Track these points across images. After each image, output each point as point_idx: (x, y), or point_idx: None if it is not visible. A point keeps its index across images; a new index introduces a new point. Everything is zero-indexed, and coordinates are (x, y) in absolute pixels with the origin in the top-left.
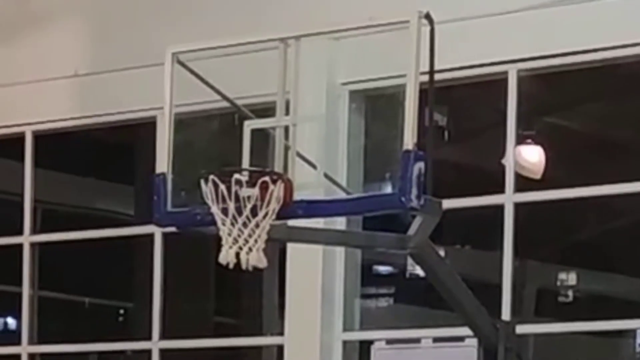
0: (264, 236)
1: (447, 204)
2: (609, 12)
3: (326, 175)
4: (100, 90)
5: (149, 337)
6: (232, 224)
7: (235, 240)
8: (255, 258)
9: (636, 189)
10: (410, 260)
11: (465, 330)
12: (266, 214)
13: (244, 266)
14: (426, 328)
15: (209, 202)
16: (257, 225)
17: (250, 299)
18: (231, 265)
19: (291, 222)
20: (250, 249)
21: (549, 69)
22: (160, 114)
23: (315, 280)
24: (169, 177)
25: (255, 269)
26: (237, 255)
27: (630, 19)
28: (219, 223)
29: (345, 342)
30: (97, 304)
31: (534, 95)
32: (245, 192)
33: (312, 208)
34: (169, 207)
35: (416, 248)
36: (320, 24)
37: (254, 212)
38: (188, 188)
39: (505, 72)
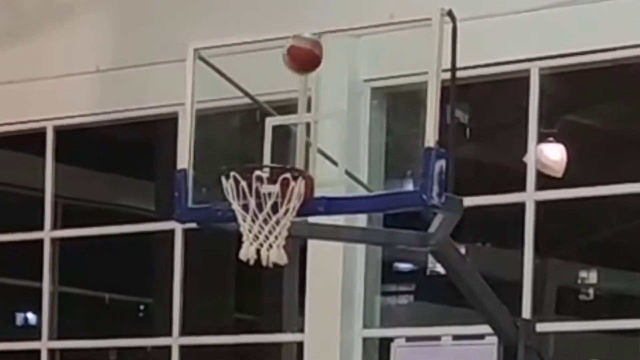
0: (285, 233)
1: (468, 201)
2: (632, 11)
3: (347, 172)
4: (121, 86)
5: (169, 333)
6: (253, 221)
7: (256, 237)
8: (275, 255)
9: None
10: (431, 258)
11: (485, 328)
12: (287, 211)
13: (264, 263)
14: (446, 326)
15: (230, 198)
16: (277, 222)
17: (270, 296)
18: (251, 262)
19: (312, 219)
20: (270, 246)
21: (571, 67)
22: (181, 110)
23: (336, 277)
24: (190, 173)
25: (276, 265)
26: (258, 252)
27: None
28: (240, 219)
29: (365, 339)
30: (118, 300)
31: (556, 94)
32: (266, 188)
33: (333, 205)
34: (190, 203)
35: (437, 246)
36: (342, 21)
37: (274, 208)
38: (209, 184)
39: (527, 70)
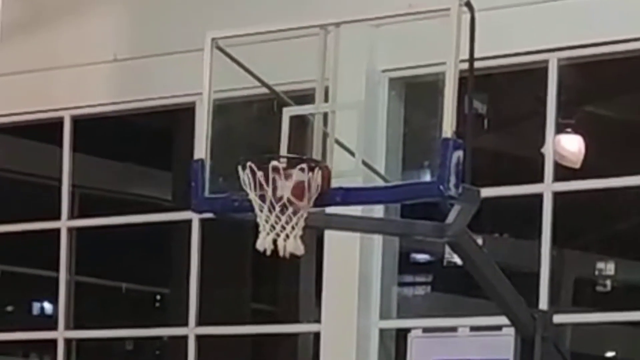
0: (302, 223)
1: (486, 192)
2: None
3: (364, 163)
4: (139, 75)
5: (185, 324)
6: (270, 211)
7: (273, 227)
8: (292, 245)
9: None
10: (448, 249)
11: (502, 320)
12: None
13: (281, 253)
14: (463, 317)
15: (247, 189)
16: (294, 213)
17: (287, 286)
18: (268, 253)
19: (329, 210)
20: (287, 236)
21: (590, 57)
22: (199, 99)
23: (353, 268)
24: (207, 163)
25: (293, 256)
26: (275, 242)
27: None
28: (257, 210)
29: (382, 330)
30: (134, 290)
31: (574, 84)
32: (283, 183)
33: (350, 195)
34: (207, 193)
35: (454, 236)
36: (360, 10)
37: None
38: (226, 174)
39: (546, 61)
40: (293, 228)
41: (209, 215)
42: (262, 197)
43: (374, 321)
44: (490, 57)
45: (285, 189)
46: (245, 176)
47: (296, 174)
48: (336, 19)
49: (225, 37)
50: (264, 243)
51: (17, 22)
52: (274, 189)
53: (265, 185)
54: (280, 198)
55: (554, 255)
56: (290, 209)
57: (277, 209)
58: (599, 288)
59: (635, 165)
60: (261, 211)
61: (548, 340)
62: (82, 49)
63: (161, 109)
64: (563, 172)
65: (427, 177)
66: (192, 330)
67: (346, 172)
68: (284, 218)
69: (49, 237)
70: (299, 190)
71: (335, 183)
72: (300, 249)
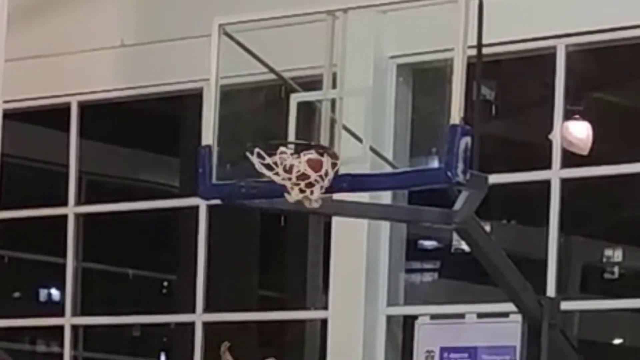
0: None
1: (493, 179)
2: None
3: (372, 149)
4: (146, 61)
5: (192, 310)
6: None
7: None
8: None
9: None
10: (455, 235)
11: (509, 306)
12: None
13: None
14: (470, 304)
15: (260, 169)
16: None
17: (294, 273)
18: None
19: (336, 196)
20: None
21: (598, 44)
22: (206, 85)
23: (360, 255)
24: (215, 150)
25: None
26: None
27: None
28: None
29: (389, 317)
30: (141, 276)
31: (582, 71)
32: (291, 161)
33: (358, 182)
34: (214, 180)
35: (462, 223)
36: None
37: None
38: (233, 161)
39: (554, 47)
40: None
41: (217, 201)
42: (276, 173)
43: (381, 308)
44: (498, 43)
45: (301, 165)
46: (255, 160)
47: (310, 155)
48: (344, 4)
49: (233, 23)
50: (293, 196)
51: (25, 8)
52: (290, 167)
53: (276, 166)
54: (298, 171)
55: (561, 242)
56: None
57: (294, 175)
58: (607, 275)
59: None
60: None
61: (555, 327)
62: (90, 34)
63: (168, 95)
64: (571, 158)
65: (434, 164)
66: (199, 317)
67: (354, 159)
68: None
69: (56, 224)
70: (315, 164)
71: (342, 170)
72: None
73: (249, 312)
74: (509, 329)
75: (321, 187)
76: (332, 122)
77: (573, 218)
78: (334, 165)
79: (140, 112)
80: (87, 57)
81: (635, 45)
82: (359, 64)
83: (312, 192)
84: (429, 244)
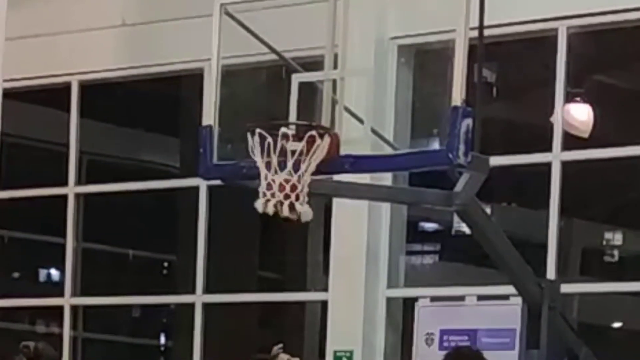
0: (306, 189)
1: (494, 161)
2: None
3: (373, 130)
4: (147, 41)
5: (192, 291)
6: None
7: (273, 195)
8: (301, 211)
9: None
10: (456, 218)
11: (509, 289)
12: (308, 167)
13: (283, 215)
14: (471, 286)
15: (255, 155)
16: (299, 180)
17: (294, 254)
18: (271, 213)
19: (337, 177)
20: (293, 201)
21: (599, 26)
22: (207, 65)
23: (361, 237)
24: (216, 130)
25: (298, 221)
26: (279, 205)
27: None
28: (262, 175)
29: (389, 299)
30: (141, 257)
31: (584, 53)
32: (291, 145)
33: (359, 163)
34: (215, 160)
35: (462, 205)
36: None
37: (297, 166)
38: (234, 141)
39: (555, 29)
40: (297, 197)
41: (217, 181)
42: (268, 165)
43: (381, 290)
44: (500, 25)
45: (296, 146)
46: (253, 142)
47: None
48: None
49: (234, 3)
50: (264, 207)
51: None
52: (282, 157)
53: (272, 152)
54: (293, 152)
55: (561, 224)
56: (295, 177)
57: (283, 176)
58: (607, 258)
59: None
60: (265, 179)
61: (555, 310)
62: (91, 13)
63: (169, 75)
64: (572, 141)
65: (436, 145)
66: (199, 298)
67: (355, 140)
68: (288, 186)
69: (56, 204)
70: (311, 139)
71: (344, 150)
72: (308, 215)
73: (249, 293)
74: (509, 312)
75: (304, 199)
76: (334, 102)
77: (573, 201)
78: (334, 146)
79: (141, 92)
80: (88, 37)
81: (637, 27)
82: (361, 45)
83: (293, 201)
84: (429, 226)
